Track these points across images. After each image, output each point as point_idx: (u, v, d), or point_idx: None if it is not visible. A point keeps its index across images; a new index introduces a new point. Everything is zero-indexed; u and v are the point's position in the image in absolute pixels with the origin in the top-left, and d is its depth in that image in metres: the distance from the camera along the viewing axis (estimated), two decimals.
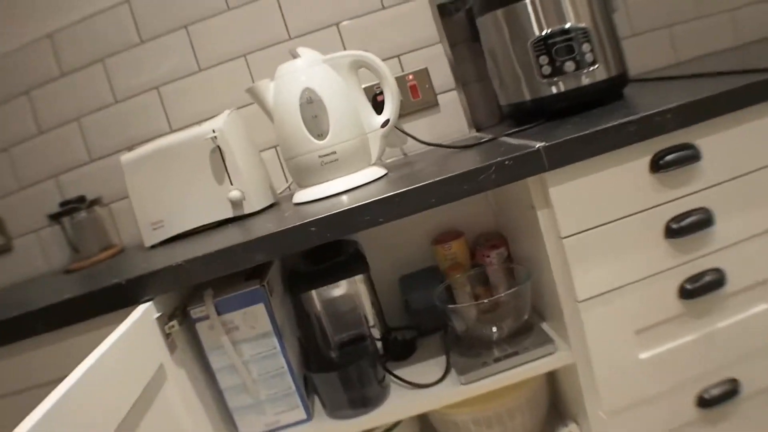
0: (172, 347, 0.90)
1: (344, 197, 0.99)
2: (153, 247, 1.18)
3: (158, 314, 0.87)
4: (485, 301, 1.06)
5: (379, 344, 1.16)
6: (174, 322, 0.91)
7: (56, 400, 0.58)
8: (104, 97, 1.33)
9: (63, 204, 1.26)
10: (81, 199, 1.28)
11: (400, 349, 1.17)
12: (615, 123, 0.87)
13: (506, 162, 0.87)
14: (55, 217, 1.26)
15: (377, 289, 1.24)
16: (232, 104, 1.32)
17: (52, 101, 1.34)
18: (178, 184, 1.14)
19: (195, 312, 0.97)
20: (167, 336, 0.89)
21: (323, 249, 1.23)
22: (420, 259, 1.34)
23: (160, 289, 0.89)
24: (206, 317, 0.96)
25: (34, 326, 0.89)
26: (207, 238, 1.04)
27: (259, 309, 0.97)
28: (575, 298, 0.94)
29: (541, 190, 0.93)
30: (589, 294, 0.94)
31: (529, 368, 1.00)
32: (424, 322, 1.23)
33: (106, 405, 0.66)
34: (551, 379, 1.17)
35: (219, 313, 0.97)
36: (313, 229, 0.87)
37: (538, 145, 0.87)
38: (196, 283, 0.89)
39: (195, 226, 1.16)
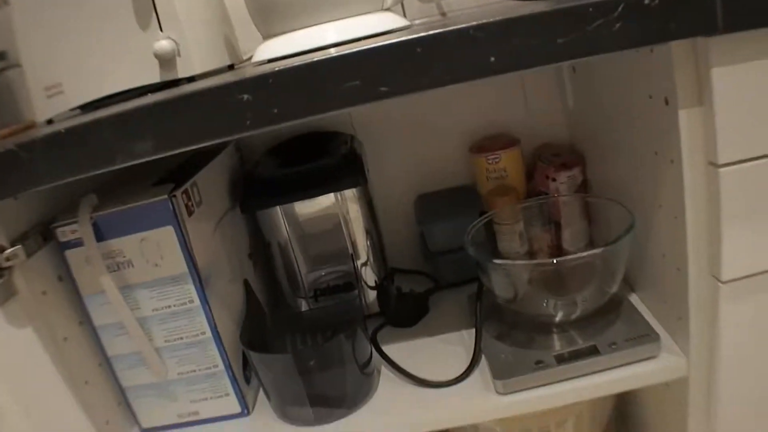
0: (4, 294, 0.53)
1: (332, 52, 0.56)
2: (50, 122, 0.78)
3: None
4: (553, 261, 0.63)
5: (372, 295, 0.78)
6: (16, 249, 0.54)
7: None
8: None
9: None
10: None
11: (405, 308, 0.77)
12: None
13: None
14: None
15: (379, 213, 0.84)
16: None
17: None
18: (85, 28, 0.73)
19: (63, 232, 0.59)
20: None
21: (300, 143, 0.82)
22: (449, 173, 0.92)
23: None
24: (80, 243, 0.58)
25: None
26: None
27: (166, 235, 0.58)
28: (717, 275, 0.53)
29: (694, 70, 0.49)
30: (743, 272, 0.53)
31: (613, 380, 0.59)
32: (446, 270, 0.83)
33: None
34: None
35: (100, 238, 0.58)
36: (244, 98, 0.45)
37: None
38: (43, 186, 0.50)
39: (107, 93, 0.75)
